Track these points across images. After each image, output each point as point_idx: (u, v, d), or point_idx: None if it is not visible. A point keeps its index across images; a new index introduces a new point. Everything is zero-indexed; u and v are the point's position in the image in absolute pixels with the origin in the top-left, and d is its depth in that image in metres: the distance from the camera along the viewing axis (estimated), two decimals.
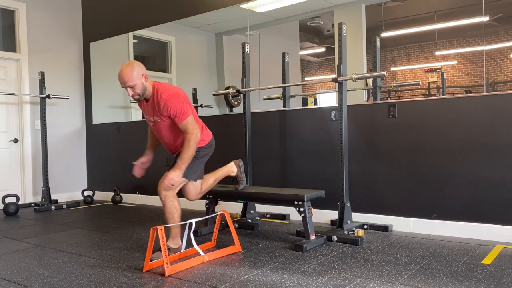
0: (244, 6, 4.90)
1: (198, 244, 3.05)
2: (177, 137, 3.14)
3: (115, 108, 6.37)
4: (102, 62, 6.44)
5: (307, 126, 4.38)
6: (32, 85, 5.92)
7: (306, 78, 5.08)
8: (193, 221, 2.95)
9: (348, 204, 3.69)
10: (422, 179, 3.72)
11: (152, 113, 3.06)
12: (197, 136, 2.99)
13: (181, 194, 3.24)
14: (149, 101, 3.04)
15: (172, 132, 3.11)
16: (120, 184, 6.09)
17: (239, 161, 3.66)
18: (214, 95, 5.04)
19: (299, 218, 3.98)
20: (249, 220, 4.13)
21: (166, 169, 3.12)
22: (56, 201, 5.81)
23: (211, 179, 3.45)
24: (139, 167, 3.35)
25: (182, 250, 3.06)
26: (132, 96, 2.97)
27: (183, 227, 3.09)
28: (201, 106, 5.41)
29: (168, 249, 2.97)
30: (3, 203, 5.17)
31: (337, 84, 3.70)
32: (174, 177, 2.98)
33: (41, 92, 5.63)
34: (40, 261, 3.07)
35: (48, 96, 5.63)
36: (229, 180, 3.74)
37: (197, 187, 3.30)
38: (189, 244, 3.04)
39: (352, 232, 3.54)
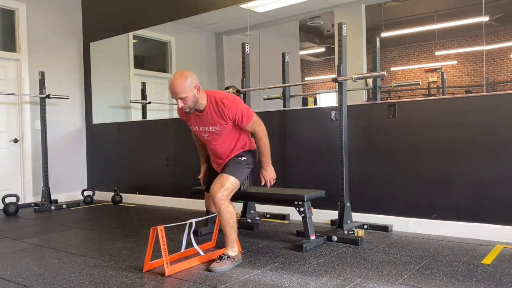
0: (244, 6, 4.89)
1: (198, 244, 3.05)
2: (234, 142, 3.05)
3: (115, 108, 6.37)
4: (102, 62, 6.44)
5: (307, 126, 4.38)
6: (32, 85, 5.92)
7: (306, 78, 5.08)
8: (193, 221, 2.95)
9: (348, 204, 3.69)
10: (422, 179, 3.72)
11: (211, 123, 2.93)
12: (264, 129, 3.00)
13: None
14: (203, 111, 2.90)
15: (230, 138, 3.02)
16: (120, 184, 6.08)
17: None
18: None
19: (299, 218, 3.97)
20: (249, 220, 4.13)
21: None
22: (56, 201, 5.81)
23: None
24: (204, 177, 3.37)
25: (182, 250, 3.06)
26: (182, 108, 2.81)
27: (183, 227, 3.08)
28: None
29: (228, 257, 2.82)
30: (3, 203, 5.17)
31: (337, 84, 3.70)
32: (271, 173, 3.08)
33: (41, 92, 5.63)
34: (40, 261, 3.07)
35: (48, 96, 5.63)
36: None
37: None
38: (189, 244, 3.04)
39: (352, 232, 3.54)
